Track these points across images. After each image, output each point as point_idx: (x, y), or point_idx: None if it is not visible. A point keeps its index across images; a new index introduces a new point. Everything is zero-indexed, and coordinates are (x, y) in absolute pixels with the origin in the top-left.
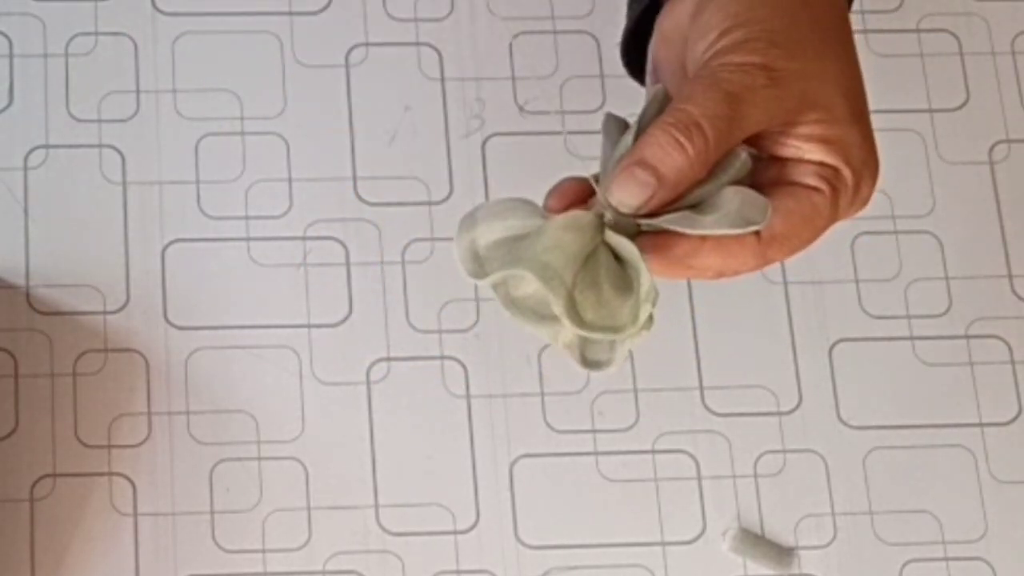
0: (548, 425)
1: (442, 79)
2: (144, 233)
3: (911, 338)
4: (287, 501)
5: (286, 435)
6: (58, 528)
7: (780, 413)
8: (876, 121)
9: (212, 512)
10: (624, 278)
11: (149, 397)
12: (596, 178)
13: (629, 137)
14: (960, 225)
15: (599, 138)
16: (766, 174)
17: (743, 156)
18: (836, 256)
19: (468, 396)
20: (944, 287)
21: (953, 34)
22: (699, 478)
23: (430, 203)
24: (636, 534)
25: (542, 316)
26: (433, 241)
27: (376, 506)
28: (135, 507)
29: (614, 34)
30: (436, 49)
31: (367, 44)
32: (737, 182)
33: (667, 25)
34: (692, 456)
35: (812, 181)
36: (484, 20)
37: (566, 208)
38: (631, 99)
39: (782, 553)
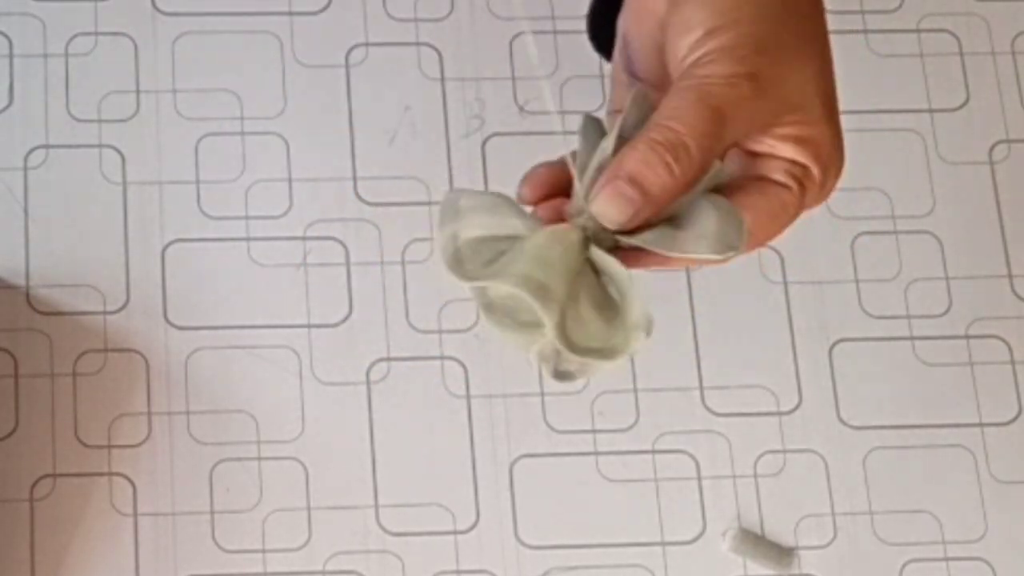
0: (548, 425)
1: (442, 79)
2: (144, 233)
3: (911, 338)
4: (287, 501)
5: (286, 435)
6: (58, 528)
7: (780, 413)
8: (876, 121)
9: (212, 512)
10: (607, 298)
11: (149, 397)
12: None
13: (609, 142)
14: (960, 225)
15: None
16: (736, 167)
17: (718, 164)
18: (836, 256)
19: (468, 396)
20: (944, 287)
21: (953, 34)
22: (699, 478)
23: (430, 203)
24: (636, 534)
25: (518, 322)
26: (433, 241)
27: (376, 506)
28: (135, 507)
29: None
30: (436, 49)
31: (367, 44)
32: (713, 188)
33: (638, 2)
34: (692, 456)
35: (782, 178)
36: (484, 20)
37: (541, 198)
38: None
39: (782, 553)
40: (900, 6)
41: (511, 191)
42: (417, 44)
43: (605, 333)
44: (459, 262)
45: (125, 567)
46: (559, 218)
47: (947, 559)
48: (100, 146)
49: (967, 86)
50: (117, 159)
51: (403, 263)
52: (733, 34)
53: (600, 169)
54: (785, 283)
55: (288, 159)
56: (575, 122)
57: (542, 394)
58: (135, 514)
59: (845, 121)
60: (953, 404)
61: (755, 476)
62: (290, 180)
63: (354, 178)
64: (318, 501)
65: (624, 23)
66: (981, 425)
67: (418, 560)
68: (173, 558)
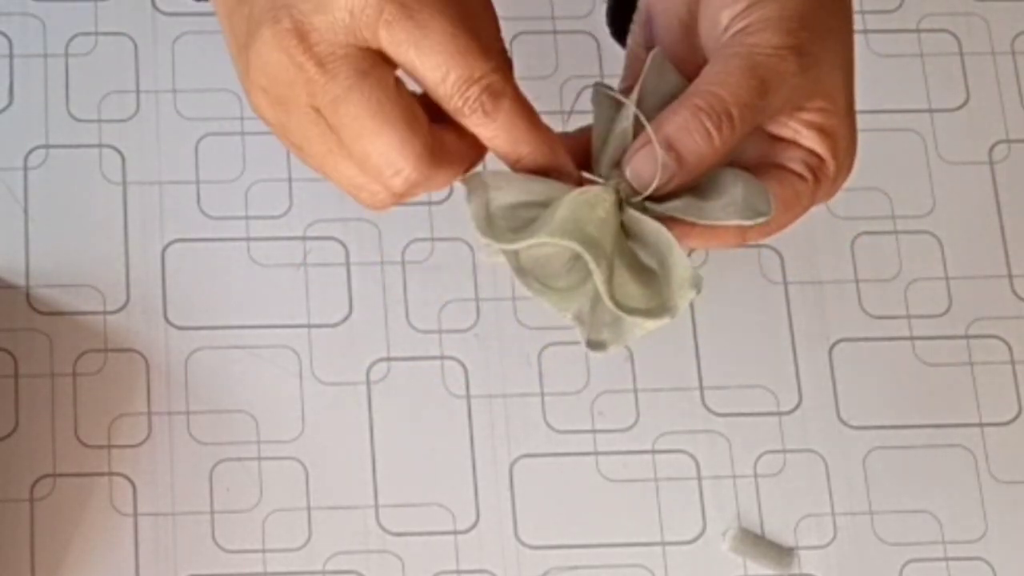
0: (548, 425)
1: None
2: (144, 233)
3: (911, 338)
4: (287, 501)
5: (286, 435)
6: (58, 528)
7: (780, 413)
8: (876, 121)
9: (212, 512)
10: (639, 263)
11: (149, 397)
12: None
13: (630, 112)
14: (960, 225)
15: None
16: (756, 148)
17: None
18: (836, 256)
19: (468, 396)
20: (944, 287)
21: (953, 34)
22: (699, 478)
23: (430, 203)
24: (636, 534)
25: (549, 286)
26: (433, 241)
27: (376, 506)
28: (135, 507)
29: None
30: None
31: None
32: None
33: None
34: (692, 456)
35: (799, 168)
36: None
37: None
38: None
39: (782, 553)
40: (900, 6)
41: None
42: None
43: (644, 296)
44: (492, 225)
45: (125, 567)
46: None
47: (947, 559)
48: (100, 146)
49: (967, 86)
50: (117, 159)
51: (403, 263)
52: (779, 5)
53: (622, 135)
54: (785, 283)
55: (288, 159)
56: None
57: (542, 394)
58: (135, 514)
59: None
60: (953, 404)
61: (755, 476)
62: (290, 180)
63: None
64: (318, 501)
65: None
66: (981, 425)
67: (418, 560)
68: (173, 558)
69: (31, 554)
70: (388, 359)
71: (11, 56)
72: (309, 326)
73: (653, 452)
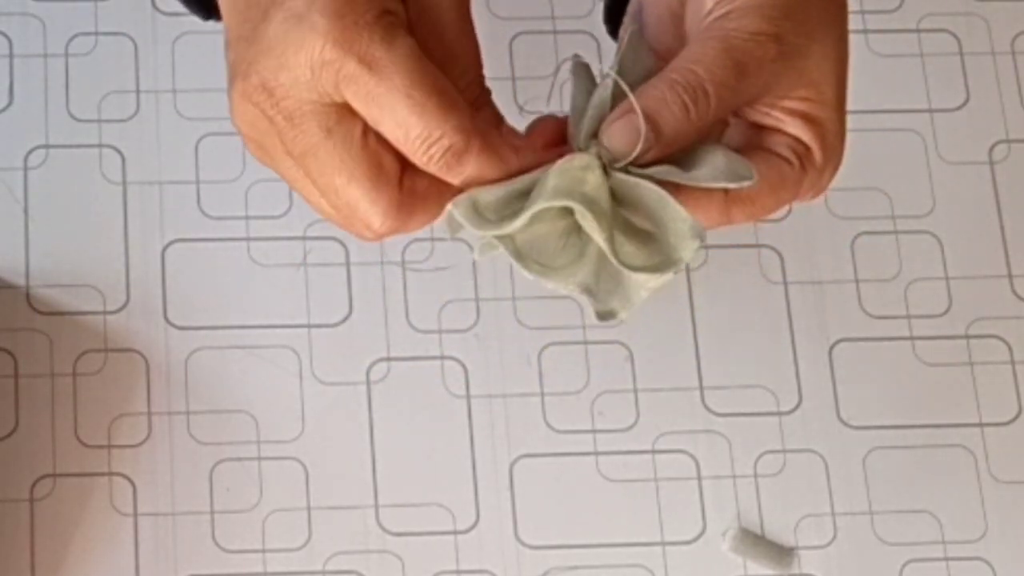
0: (548, 425)
1: None
2: (144, 233)
3: (911, 338)
4: (287, 501)
5: (286, 435)
6: (58, 528)
7: (780, 413)
8: (876, 121)
9: (212, 512)
10: (631, 225)
11: (149, 397)
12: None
13: (607, 88)
14: (960, 225)
15: None
16: (738, 137)
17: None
18: (836, 256)
19: (468, 396)
20: (944, 287)
21: (953, 34)
22: (699, 478)
23: None
24: (636, 534)
25: (549, 266)
26: (433, 241)
27: (376, 506)
28: (135, 507)
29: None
30: None
31: None
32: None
33: None
34: (692, 456)
35: (785, 152)
36: (484, 20)
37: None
38: None
39: (782, 553)
40: (900, 6)
41: None
42: None
43: (645, 256)
44: (483, 218)
45: (125, 567)
46: None
47: (947, 559)
48: (100, 146)
49: (967, 86)
50: (117, 159)
51: (403, 263)
52: None
53: (600, 107)
54: (785, 283)
55: None
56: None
57: (542, 394)
58: (135, 514)
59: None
60: (953, 404)
61: (755, 476)
62: None
63: None
64: (318, 501)
65: None
66: (981, 425)
67: (418, 560)
68: (173, 558)
69: (31, 554)
70: (388, 359)
71: (11, 56)
72: (309, 326)
73: (653, 452)
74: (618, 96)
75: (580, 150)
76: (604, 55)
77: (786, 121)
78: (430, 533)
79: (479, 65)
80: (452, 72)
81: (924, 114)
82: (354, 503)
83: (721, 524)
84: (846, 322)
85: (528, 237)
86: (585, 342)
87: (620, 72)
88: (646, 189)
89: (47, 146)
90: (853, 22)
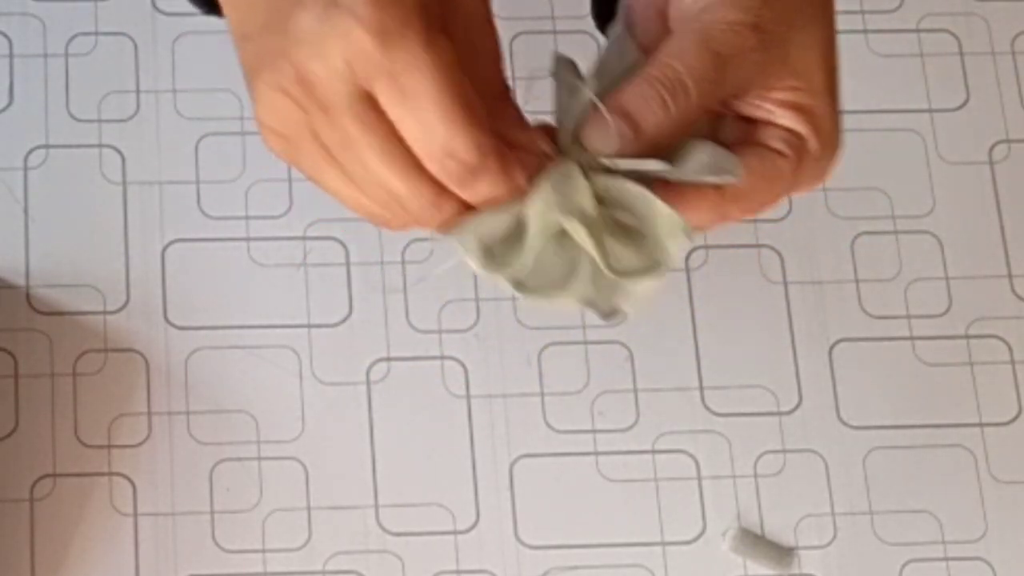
0: (548, 425)
1: None
2: (144, 233)
3: (911, 338)
4: (287, 501)
5: (286, 435)
6: (58, 528)
7: (780, 413)
8: (876, 121)
9: (212, 512)
10: (619, 225)
11: (149, 397)
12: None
13: (589, 86)
14: (960, 225)
15: None
16: (732, 132)
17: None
18: (836, 256)
19: (468, 396)
20: (944, 287)
21: (953, 34)
22: (699, 478)
23: None
24: (636, 534)
25: (552, 287)
26: (433, 241)
27: (376, 506)
28: (135, 507)
29: None
30: None
31: None
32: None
33: None
34: (692, 456)
35: (778, 145)
36: None
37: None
38: None
39: (782, 553)
40: (900, 6)
41: None
42: None
43: (635, 257)
44: (494, 261)
45: (125, 567)
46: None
47: (947, 559)
48: (100, 146)
49: (967, 86)
50: (117, 159)
51: (403, 263)
52: None
53: (582, 108)
54: (785, 283)
55: None
56: None
57: (542, 394)
58: (135, 514)
59: (845, 121)
60: (953, 404)
61: (755, 476)
62: (290, 180)
63: None
64: (318, 501)
65: None
66: (981, 425)
67: (418, 560)
68: (173, 558)
69: (31, 554)
70: (388, 359)
71: (11, 56)
72: (309, 326)
73: (653, 452)
74: (604, 94)
75: (564, 151)
76: None
77: (776, 112)
78: (430, 533)
79: (501, 58)
80: (476, 65)
81: (924, 114)
82: (354, 503)
83: (721, 524)
84: (846, 322)
85: (528, 264)
86: (585, 342)
87: (603, 69)
88: (629, 189)
89: (47, 146)
90: (853, 22)
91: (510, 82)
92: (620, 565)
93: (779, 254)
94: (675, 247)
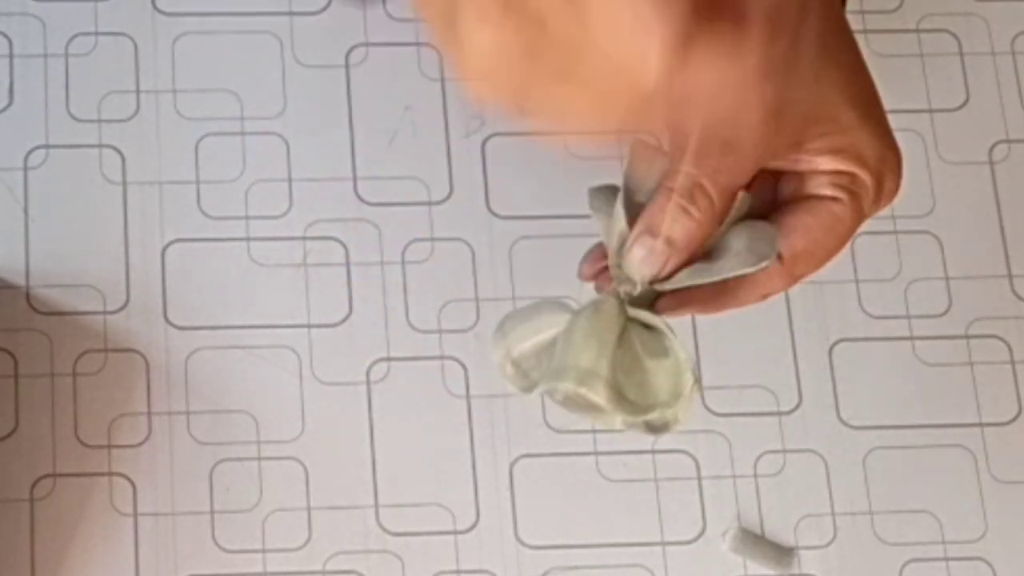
0: (548, 425)
1: (442, 79)
2: (144, 233)
3: (911, 338)
4: (287, 501)
5: (286, 435)
6: (58, 528)
7: (780, 413)
8: None
9: (212, 512)
10: (659, 343)
11: (149, 397)
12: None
13: (620, 205)
14: (960, 225)
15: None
16: (786, 189)
17: (740, 195)
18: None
19: (468, 396)
20: (944, 287)
21: (953, 34)
22: (699, 478)
23: (430, 203)
24: (636, 534)
25: (593, 408)
26: (433, 241)
27: (376, 506)
28: (135, 507)
29: None
30: (436, 49)
31: (367, 44)
32: (743, 217)
33: None
34: (692, 456)
35: (829, 191)
36: None
37: (598, 273)
38: None
39: (782, 553)
40: (900, 6)
41: (511, 191)
42: (417, 44)
43: (668, 382)
44: (522, 376)
45: (125, 567)
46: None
47: (947, 559)
48: (100, 146)
49: (967, 86)
50: (117, 159)
51: (403, 263)
52: (734, 61)
53: (620, 234)
54: None
55: (288, 159)
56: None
57: (542, 394)
58: (135, 514)
59: None
60: (953, 404)
61: (755, 476)
62: (290, 180)
63: (354, 178)
64: (318, 501)
65: None
66: (981, 425)
67: (418, 560)
68: (173, 558)
69: (31, 554)
70: (388, 359)
71: (11, 56)
72: (309, 326)
73: (653, 452)
74: (635, 215)
75: (616, 276)
76: None
77: (816, 161)
78: (430, 533)
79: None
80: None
81: (924, 114)
82: (354, 503)
83: (721, 524)
84: (846, 322)
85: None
86: None
87: (630, 186)
88: (653, 321)
89: (47, 146)
90: (853, 22)
91: None
92: (620, 565)
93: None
94: (687, 384)
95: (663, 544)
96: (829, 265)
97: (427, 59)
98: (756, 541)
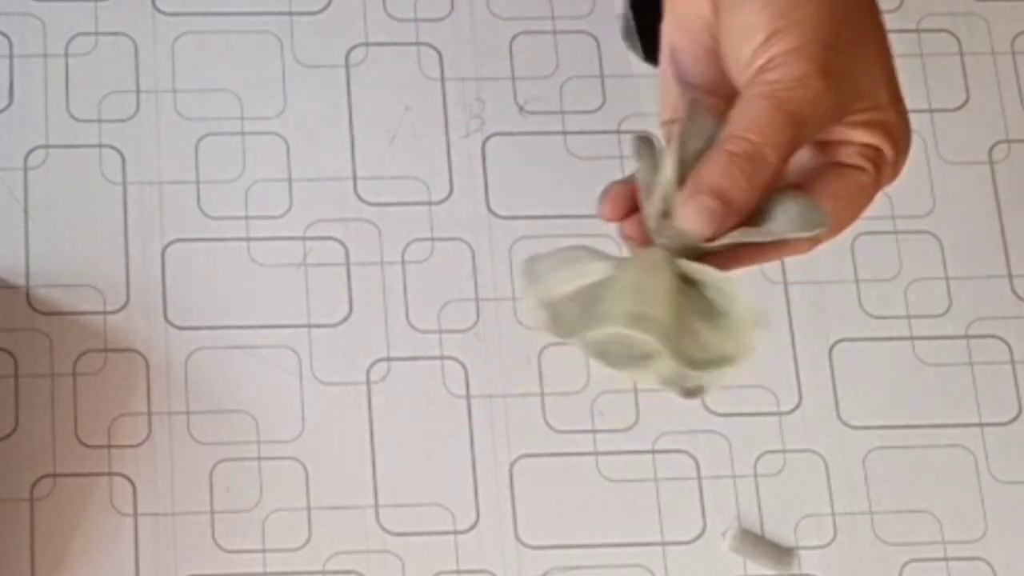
0: (548, 425)
1: (442, 79)
2: (144, 233)
3: (911, 338)
4: (287, 501)
5: (286, 435)
6: (58, 528)
7: (780, 413)
8: None
9: (212, 512)
10: (711, 306)
11: (149, 397)
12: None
13: (670, 160)
14: (960, 225)
15: (598, 138)
16: (813, 155)
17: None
18: (836, 256)
19: (468, 396)
20: (944, 287)
21: (953, 34)
22: (699, 478)
23: (430, 203)
24: (636, 534)
25: (633, 357)
26: (433, 241)
27: (376, 506)
28: (135, 507)
29: (614, 34)
30: (436, 49)
31: (367, 44)
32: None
33: (682, 9)
34: (692, 456)
35: (857, 161)
36: (484, 20)
37: (623, 215)
38: (631, 99)
39: (782, 553)
40: (900, 6)
41: (511, 191)
42: (417, 44)
43: (720, 340)
44: (558, 322)
45: (125, 567)
46: (644, 234)
47: (947, 559)
48: (100, 146)
49: (967, 86)
50: (117, 159)
51: (403, 263)
52: (797, 34)
53: (666, 186)
54: (785, 283)
55: (288, 159)
56: (575, 122)
57: (542, 394)
58: (135, 514)
59: None
60: (953, 404)
61: (755, 476)
62: (290, 180)
63: (354, 178)
64: (318, 501)
65: (668, 32)
66: (981, 425)
67: (418, 560)
68: (173, 558)
69: (31, 554)
70: (388, 359)
71: (11, 56)
72: (309, 326)
73: (653, 452)
74: (684, 170)
75: (652, 230)
76: (604, 55)
77: (850, 132)
78: (430, 533)
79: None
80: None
81: (924, 114)
82: (354, 503)
83: (721, 524)
84: (846, 322)
85: (609, 335)
86: None
87: (683, 144)
88: (711, 274)
89: (47, 146)
90: None
91: (511, 82)
92: (620, 565)
93: None
94: (748, 339)
95: (663, 544)
96: (829, 265)
97: (427, 59)
98: (756, 541)
